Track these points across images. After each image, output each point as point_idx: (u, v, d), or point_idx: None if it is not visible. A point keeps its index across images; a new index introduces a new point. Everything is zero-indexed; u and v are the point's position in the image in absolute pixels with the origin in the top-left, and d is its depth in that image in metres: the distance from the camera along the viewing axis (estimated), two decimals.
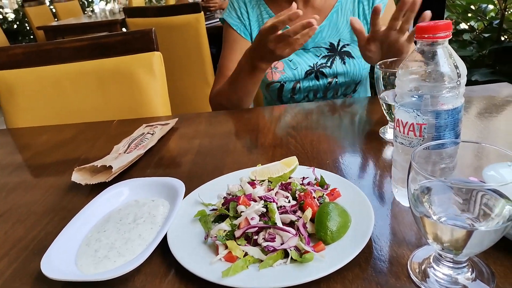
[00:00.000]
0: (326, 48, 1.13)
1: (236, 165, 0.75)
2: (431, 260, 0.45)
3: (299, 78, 1.13)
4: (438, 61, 0.49)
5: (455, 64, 0.49)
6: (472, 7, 2.06)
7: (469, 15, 2.12)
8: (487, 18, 2.00)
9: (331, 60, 1.13)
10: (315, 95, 1.17)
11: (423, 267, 0.45)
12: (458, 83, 0.49)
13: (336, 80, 1.13)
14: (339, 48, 1.13)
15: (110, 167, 0.71)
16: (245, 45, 1.18)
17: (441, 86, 0.49)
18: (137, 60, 1.07)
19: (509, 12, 2.02)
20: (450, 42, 1.44)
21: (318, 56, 1.13)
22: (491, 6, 1.97)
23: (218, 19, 3.02)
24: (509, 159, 0.40)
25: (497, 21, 1.87)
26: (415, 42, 0.50)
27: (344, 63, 1.12)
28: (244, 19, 1.17)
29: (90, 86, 1.09)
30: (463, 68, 0.49)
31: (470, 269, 0.43)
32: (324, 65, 1.13)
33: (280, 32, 0.86)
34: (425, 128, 0.50)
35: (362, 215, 0.52)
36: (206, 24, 2.93)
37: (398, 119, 0.53)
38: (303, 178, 0.61)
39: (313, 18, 0.82)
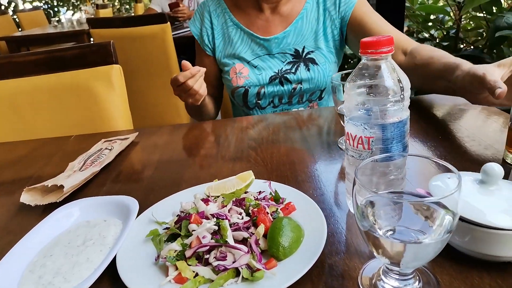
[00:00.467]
0: (291, 54, 1.15)
1: (194, 180, 0.73)
2: (380, 273, 0.45)
3: (264, 83, 1.14)
4: (382, 75, 0.50)
5: (398, 78, 0.50)
6: (432, 16, 2.14)
7: (430, 24, 2.20)
8: (445, 27, 2.09)
9: (295, 66, 1.14)
10: (280, 101, 1.18)
11: (373, 281, 0.46)
12: (402, 96, 0.50)
13: (301, 86, 1.15)
14: (303, 54, 1.15)
15: (62, 187, 0.68)
16: (203, 53, 1.21)
17: (385, 100, 0.50)
18: (95, 74, 1.04)
19: (465, 22, 2.12)
20: None
21: (283, 62, 1.15)
22: (448, 16, 2.05)
23: (187, 30, 3.01)
24: (448, 172, 0.41)
25: (454, 31, 1.95)
26: (354, 44, 0.51)
27: (309, 69, 1.13)
28: (207, 28, 1.18)
29: (47, 101, 1.06)
30: (406, 82, 0.51)
31: (417, 280, 0.44)
32: (289, 71, 1.14)
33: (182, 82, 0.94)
34: (372, 141, 0.51)
35: (316, 230, 0.52)
36: (174, 34, 2.91)
37: (348, 133, 0.54)
38: (259, 192, 0.61)
39: (201, 69, 0.95)
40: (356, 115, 0.52)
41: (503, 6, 1.71)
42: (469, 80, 0.76)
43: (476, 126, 0.86)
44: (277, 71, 1.14)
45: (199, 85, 0.96)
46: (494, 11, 1.72)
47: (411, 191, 0.50)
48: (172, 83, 0.96)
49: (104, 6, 4.60)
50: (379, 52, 0.49)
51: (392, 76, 0.50)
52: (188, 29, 3.02)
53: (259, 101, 1.17)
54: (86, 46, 1.05)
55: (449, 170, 0.41)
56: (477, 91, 0.77)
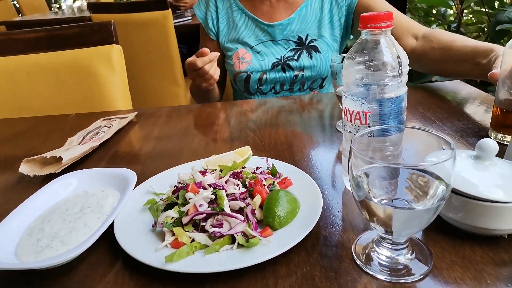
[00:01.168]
0: (294, 42, 1.15)
1: (193, 156, 0.74)
2: (374, 243, 0.46)
3: (266, 69, 1.14)
4: (381, 50, 0.50)
5: (397, 54, 0.51)
6: (434, 10, 2.14)
7: (431, 18, 2.20)
8: (447, 21, 2.09)
9: (298, 53, 1.14)
10: (281, 87, 1.18)
11: (366, 250, 0.46)
12: (400, 71, 0.50)
13: (303, 73, 1.15)
14: (306, 42, 1.15)
15: (61, 158, 0.68)
16: (207, 37, 1.20)
17: (383, 75, 0.50)
18: (95, 53, 1.04)
19: (467, 17, 2.12)
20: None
21: (286, 49, 1.15)
22: (450, 10, 2.05)
23: (188, 18, 3.00)
24: (445, 143, 0.41)
25: (455, 25, 1.95)
26: (360, 33, 0.52)
27: (311, 57, 1.14)
28: (212, 12, 1.18)
29: (46, 79, 1.06)
30: (404, 58, 0.51)
31: (410, 250, 0.45)
32: (291, 58, 1.14)
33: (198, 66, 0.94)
34: (370, 116, 0.52)
35: (311, 203, 0.52)
36: (176, 23, 2.90)
37: (345, 108, 0.54)
38: (257, 168, 0.62)
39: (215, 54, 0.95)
40: (355, 90, 0.52)
41: (505, 1, 1.71)
42: None
43: (473, 110, 0.86)
44: (279, 58, 1.15)
45: (214, 70, 0.97)
46: (496, 5, 1.72)
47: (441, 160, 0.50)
48: (188, 67, 0.96)
49: None
50: (378, 26, 0.49)
51: (391, 51, 0.51)
52: (189, 18, 3.01)
53: (261, 87, 1.18)
54: (87, 25, 1.05)
55: (444, 142, 0.41)
56: None
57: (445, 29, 2.11)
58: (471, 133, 0.75)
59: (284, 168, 0.62)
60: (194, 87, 1.12)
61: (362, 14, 0.50)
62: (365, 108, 0.52)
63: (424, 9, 2.07)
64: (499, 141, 0.69)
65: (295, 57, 1.14)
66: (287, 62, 1.15)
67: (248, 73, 1.15)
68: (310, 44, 1.15)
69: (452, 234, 0.48)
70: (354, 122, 0.53)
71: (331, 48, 1.15)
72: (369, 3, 1.11)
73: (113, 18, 2.23)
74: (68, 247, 0.48)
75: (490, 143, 0.47)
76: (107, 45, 1.07)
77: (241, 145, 0.78)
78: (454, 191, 0.45)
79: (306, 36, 1.15)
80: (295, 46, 1.15)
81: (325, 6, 1.15)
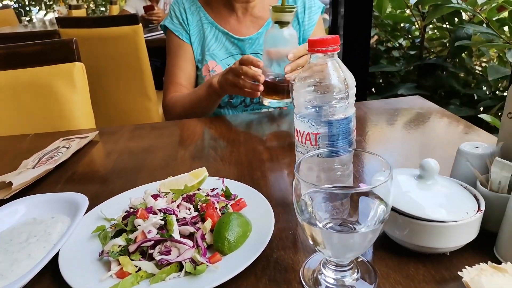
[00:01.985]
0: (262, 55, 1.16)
1: (151, 178, 0.73)
2: (321, 266, 0.46)
3: None
4: (328, 73, 0.51)
5: (343, 76, 0.52)
6: (399, 26, 2.21)
7: (398, 33, 2.27)
8: (412, 36, 2.16)
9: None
10: (251, 100, 1.19)
11: (314, 273, 0.47)
12: (346, 94, 0.51)
13: None
14: None
15: (10, 184, 0.66)
16: (188, 49, 1.18)
17: (331, 97, 0.51)
18: (56, 71, 1.02)
19: (431, 32, 2.19)
20: (381, 58, 1.54)
21: None
22: (415, 26, 2.12)
23: (161, 32, 2.99)
24: (384, 165, 0.42)
25: (419, 40, 2.02)
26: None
27: None
28: (184, 24, 1.18)
29: (4, 99, 1.02)
30: (351, 80, 0.52)
31: (356, 270, 0.45)
32: None
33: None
34: (319, 137, 0.53)
35: (264, 225, 0.52)
36: (149, 36, 2.89)
37: (296, 129, 0.55)
38: (213, 189, 0.61)
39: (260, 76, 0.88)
40: (304, 112, 0.53)
41: (463, 18, 1.79)
42: None
43: (430, 125, 0.89)
44: None
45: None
46: (456, 22, 1.79)
47: (353, 186, 0.51)
48: (240, 61, 0.91)
49: (77, 7, 4.51)
50: (325, 50, 0.50)
51: (338, 74, 0.52)
52: (162, 31, 3.00)
53: (231, 100, 1.18)
54: (47, 43, 1.03)
55: (384, 164, 0.42)
56: None
57: (410, 44, 2.18)
58: (429, 147, 0.77)
59: (240, 188, 0.62)
60: (208, 86, 1.02)
61: (309, 38, 0.51)
62: (315, 130, 0.52)
63: (390, 25, 2.13)
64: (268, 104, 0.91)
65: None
66: None
67: None
68: None
69: (399, 252, 0.48)
70: (305, 143, 0.54)
71: None
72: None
73: (83, 33, 2.22)
74: (7, 281, 0.46)
75: (432, 163, 0.48)
76: (69, 62, 1.05)
77: (202, 164, 0.77)
78: (398, 211, 0.46)
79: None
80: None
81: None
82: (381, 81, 2.42)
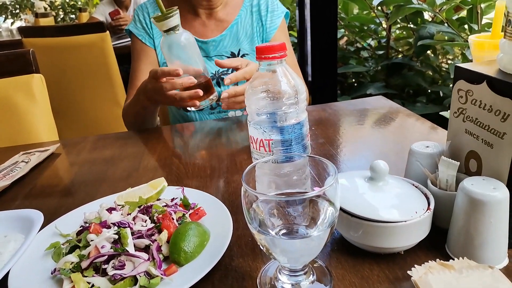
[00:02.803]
0: (227, 57, 1.17)
1: (112, 190, 0.71)
2: (278, 272, 0.46)
3: None
4: (278, 79, 0.52)
5: (293, 82, 0.52)
6: (366, 27, 2.25)
7: (366, 34, 2.31)
8: (379, 37, 2.20)
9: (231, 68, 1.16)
10: (217, 102, 1.18)
11: (272, 280, 0.47)
12: (296, 99, 0.52)
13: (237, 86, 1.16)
14: (239, 56, 1.17)
15: None
16: (151, 53, 1.17)
17: (281, 103, 0.51)
18: (13, 83, 0.99)
19: (399, 31, 2.25)
20: (350, 58, 1.59)
21: None
22: (383, 25, 2.17)
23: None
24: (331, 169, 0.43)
25: (385, 40, 2.07)
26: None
27: None
28: (148, 29, 1.17)
29: None
30: (301, 86, 0.53)
31: (311, 274, 0.45)
32: (225, 72, 1.16)
33: (163, 80, 0.87)
34: (272, 143, 0.53)
35: (222, 233, 0.52)
36: (119, 43, 2.85)
37: (251, 136, 0.55)
38: (172, 199, 0.61)
39: (191, 79, 0.85)
40: (256, 119, 0.53)
41: (425, 17, 1.84)
42: None
43: (392, 125, 0.91)
44: (214, 73, 1.16)
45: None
46: (419, 22, 1.84)
47: (308, 190, 0.51)
48: (150, 75, 0.89)
49: (45, 15, 4.39)
50: (273, 57, 0.51)
51: (287, 80, 0.52)
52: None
53: None
54: (2, 55, 0.99)
55: (331, 167, 0.43)
56: None
57: (377, 44, 2.22)
58: (390, 147, 0.79)
59: (200, 197, 0.61)
60: (141, 98, 0.98)
61: (257, 46, 0.51)
62: (267, 136, 0.53)
63: (357, 26, 2.17)
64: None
65: (229, 71, 1.16)
66: (222, 76, 1.16)
67: None
68: (243, 58, 1.17)
69: (354, 254, 0.49)
70: (259, 150, 0.54)
71: None
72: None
73: (49, 42, 2.16)
74: None
75: (382, 165, 0.49)
76: (27, 74, 1.02)
77: (165, 174, 0.77)
78: (351, 214, 0.47)
79: (239, 51, 1.18)
80: None
81: (254, 24, 1.20)
82: (353, 80, 2.46)
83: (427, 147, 0.55)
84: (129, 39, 3.13)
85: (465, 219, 0.44)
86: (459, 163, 0.48)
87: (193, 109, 0.92)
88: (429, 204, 0.48)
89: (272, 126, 0.52)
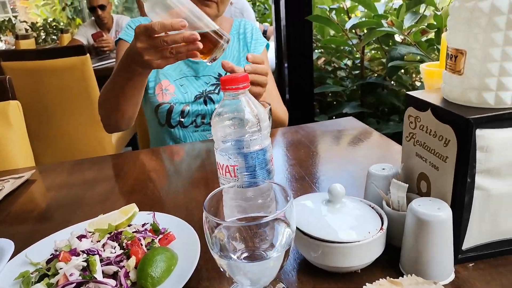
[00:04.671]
0: (215, 77, 1.22)
1: (86, 216, 0.72)
2: None
3: (189, 101, 1.18)
4: (241, 109, 0.55)
5: (255, 110, 0.55)
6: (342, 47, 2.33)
7: (341, 55, 2.39)
8: (354, 57, 2.28)
9: (219, 87, 1.21)
10: (202, 120, 1.21)
11: None
12: (259, 127, 0.55)
13: None
14: None
15: None
16: None
17: (244, 131, 0.54)
18: None
19: (374, 52, 2.33)
20: (327, 78, 1.66)
21: (207, 84, 1.21)
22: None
23: (113, 60, 2.98)
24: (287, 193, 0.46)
25: (359, 60, 2.15)
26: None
27: None
28: None
29: None
30: (263, 114, 0.56)
31: None
32: (213, 91, 1.20)
33: (157, 35, 0.76)
34: (237, 169, 0.55)
35: (190, 257, 0.54)
36: (100, 65, 2.87)
37: (217, 162, 0.58)
38: (143, 224, 0.62)
39: (194, 33, 0.74)
40: (222, 146, 0.56)
41: (396, 39, 1.92)
42: None
43: (360, 146, 0.95)
44: (201, 91, 1.19)
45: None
46: (390, 43, 1.92)
47: (273, 213, 0.54)
48: (137, 31, 0.78)
49: (25, 37, 4.39)
50: (236, 88, 0.54)
51: (250, 109, 0.55)
52: (114, 59, 2.99)
53: (182, 119, 1.20)
54: None
55: (287, 193, 0.45)
56: None
57: (352, 64, 2.30)
58: (355, 168, 0.82)
59: (171, 221, 0.63)
60: (125, 65, 0.87)
61: (221, 77, 0.55)
62: (232, 162, 0.55)
63: (333, 48, 2.25)
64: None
65: (216, 91, 1.20)
66: (209, 95, 1.19)
67: (172, 104, 1.17)
68: None
69: (315, 274, 0.52)
70: (225, 175, 0.57)
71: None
72: None
73: (27, 66, 2.17)
74: None
75: (338, 188, 0.52)
76: (3, 101, 1.03)
77: (139, 198, 0.78)
78: (309, 235, 0.50)
79: (226, 74, 1.22)
80: (216, 81, 1.21)
81: (241, 49, 1.27)
82: (332, 99, 2.53)
83: (383, 169, 0.59)
84: (110, 61, 3.13)
85: (414, 237, 0.47)
86: (407, 185, 0.51)
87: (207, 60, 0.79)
88: (382, 224, 0.51)
89: (237, 153, 0.55)
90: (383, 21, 1.63)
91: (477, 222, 0.49)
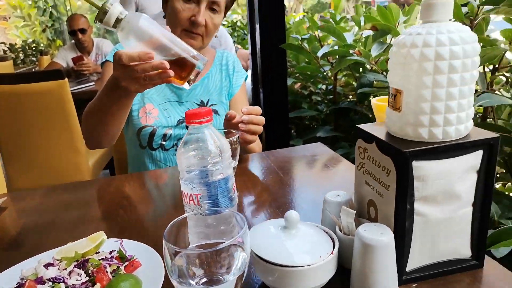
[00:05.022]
0: (197, 104, 1.27)
1: (56, 243, 0.74)
2: None
3: (171, 125, 1.21)
4: (204, 141, 0.59)
5: (218, 142, 0.60)
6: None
7: (315, 80, 2.48)
8: (328, 83, 2.37)
9: None
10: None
11: None
12: (221, 157, 0.59)
13: None
14: (207, 105, 1.28)
15: None
16: None
17: (207, 161, 0.58)
18: None
19: (346, 78, 2.43)
20: (302, 103, 1.73)
21: (190, 109, 1.24)
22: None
23: (92, 83, 2.99)
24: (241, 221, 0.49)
25: (331, 86, 2.24)
26: (187, 127, 0.60)
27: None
28: None
29: None
30: (225, 146, 0.60)
31: None
32: None
33: (128, 64, 0.79)
34: (200, 198, 0.59)
35: (154, 284, 0.56)
36: (79, 89, 2.88)
37: (182, 191, 0.61)
38: (111, 251, 0.65)
39: (163, 63, 0.77)
40: (186, 175, 0.60)
41: (367, 66, 2.02)
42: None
43: (329, 171, 0.99)
44: (184, 116, 1.23)
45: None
46: (360, 71, 2.02)
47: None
48: (114, 58, 0.81)
49: (3, 58, 4.36)
50: (199, 122, 0.58)
51: (213, 141, 0.59)
52: (93, 83, 3.00)
53: (164, 142, 1.22)
54: None
55: (241, 220, 0.49)
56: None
57: (325, 89, 2.39)
58: (317, 194, 0.87)
59: (137, 248, 0.65)
60: (107, 98, 0.92)
61: (186, 112, 0.59)
62: (196, 191, 0.59)
63: (307, 74, 2.34)
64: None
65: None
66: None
67: (155, 127, 1.20)
68: (211, 107, 1.26)
69: None
70: (190, 204, 0.60)
71: None
72: (237, 102, 1.33)
73: (6, 89, 2.17)
74: None
75: (293, 215, 0.56)
76: None
77: (109, 225, 0.80)
78: (266, 260, 0.53)
79: (208, 101, 1.28)
80: (198, 107, 1.25)
81: (223, 80, 1.33)
82: (308, 122, 2.61)
83: (338, 196, 0.63)
84: (89, 84, 3.13)
85: (361, 260, 0.52)
86: (355, 211, 0.56)
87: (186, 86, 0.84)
88: (334, 248, 0.55)
89: (200, 182, 0.59)
90: (351, 51, 1.72)
91: (418, 245, 0.54)
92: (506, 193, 1.37)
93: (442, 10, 0.51)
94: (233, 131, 0.94)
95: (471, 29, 1.16)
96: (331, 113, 2.24)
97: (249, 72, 2.15)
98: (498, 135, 0.52)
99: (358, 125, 0.61)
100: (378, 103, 0.68)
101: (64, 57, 3.49)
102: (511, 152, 1.25)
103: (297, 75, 2.49)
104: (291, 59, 2.44)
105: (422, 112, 0.52)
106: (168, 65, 0.77)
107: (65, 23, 4.69)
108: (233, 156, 0.83)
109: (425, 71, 0.50)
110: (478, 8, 1.23)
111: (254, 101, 2.09)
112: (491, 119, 1.37)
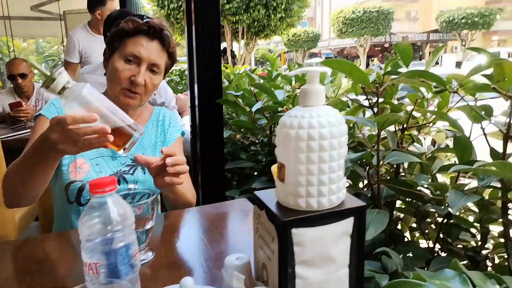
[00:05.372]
0: (131, 159, 1.26)
1: None
2: None
3: None
4: (107, 209, 0.62)
5: (122, 210, 0.62)
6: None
7: (253, 132, 2.59)
8: (264, 134, 2.49)
9: (133, 168, 1.24)
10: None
11: None
12: (122, 226, 0.62)
13: (135, 187, 1.23)
14: None
15: None
16: None
17: (108, 229, 0.61)
18: None
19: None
20: (241, 154, 1.77)
21: (123, 164, 1.24)
22: None
23: (29, 130, 2.88)
24: None
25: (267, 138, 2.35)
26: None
27: (144, 173, 1.25)
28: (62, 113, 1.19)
29: None
30: (129, 213, 0.63)
31: None
32: (127, 172, 1.23)
33: (70, 127, 0.81)
34: (99, 266, 0.60)
35: None
36: (13, 135, 2.76)
37: (82, 260, 0.62)
38: None
39: (105, 128, 0.80)
40: (86, 245, 0.61)
41: None
42: None
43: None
44: (116, 171, 1.22)
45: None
46: None
47: None
48: (51, 123, 0.83)
49: None
50: (102, 191, 0.61)
51: (117, 209, 0.62)
52: (30, 130, 2.89)
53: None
54: None
55: None
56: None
57: (262, 141, 2.49)
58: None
59: None
60: (34, 158, 0.92)
61: (90, 181, 0.62)
62: (94, 260, 0.60)
63: (244, 127, 2.44)
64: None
65: (131, 172, 1.23)
66: (123, 175, 1.22)
67: (84, 182, 1.17)
68: None
69: None
70: (89, 272, 0.61)
71: None
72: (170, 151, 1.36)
73: None
74: None
75: (188, 281, 0.60)
76: None
77: None
78: None
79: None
80: (131, 162, 1.26)
81: (158, 134, 1.35)
82: (250, 172, 2.67)
83: (237, 259, 0.67)
84: (26, 131, 3.02)
85: None
86: (244, 276, 0.60)
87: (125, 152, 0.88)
88: None
89: (99, 251, 0.60)
90: (280, 108, 1.85)
91: None
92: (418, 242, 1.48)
93: (316, 97, 0.60)
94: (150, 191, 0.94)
95: (377, 95, 1.32)
96: (267, 164, 2.33)
97: (187, 119, 2.20)
98: (365, 204, 0.60)
99: (254, 192, 0.67)
100: (276, 170, 0.75)
101: (0, 102, 3.35)
102: (418, 206, 1.38)
103: (235, 126, 2.58)
104: (230, 112, 2.55)
105: (299, 184, 0.59)
106: (109, 130, 0.81)
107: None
108: (152, 217, 0.86)
109: (300, 149, 0.58)
110: (383, 76, 1.40)
111: (193, 154, 2.13)
112: (404, 175, 1.51)
